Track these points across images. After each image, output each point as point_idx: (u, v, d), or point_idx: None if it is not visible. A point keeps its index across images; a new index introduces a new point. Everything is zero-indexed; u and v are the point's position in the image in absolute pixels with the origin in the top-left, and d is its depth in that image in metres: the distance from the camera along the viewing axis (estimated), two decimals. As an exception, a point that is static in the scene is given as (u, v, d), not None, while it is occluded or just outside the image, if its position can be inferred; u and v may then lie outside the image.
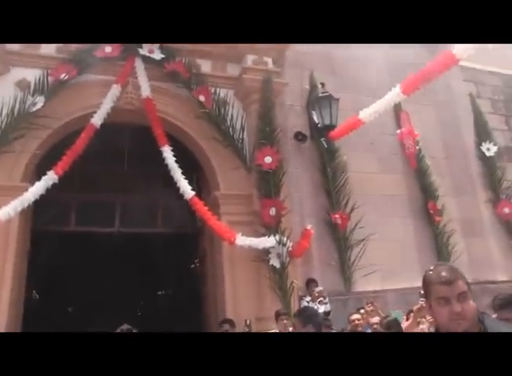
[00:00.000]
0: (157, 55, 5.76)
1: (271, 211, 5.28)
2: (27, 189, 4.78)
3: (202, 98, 5.71)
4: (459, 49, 4.08)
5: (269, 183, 5.42)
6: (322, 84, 6.24)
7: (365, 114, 5.26)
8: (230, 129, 5.75)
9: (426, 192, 6.49)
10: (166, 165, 5.35)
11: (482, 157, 7.11)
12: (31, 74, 5.31)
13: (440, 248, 6.19)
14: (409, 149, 6.59)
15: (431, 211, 6.33)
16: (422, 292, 1.70)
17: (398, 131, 6.74)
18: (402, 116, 6.73)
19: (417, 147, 6.63)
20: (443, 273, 1.53)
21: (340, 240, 5.69)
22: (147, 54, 5.73)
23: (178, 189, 5.29)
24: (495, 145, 7.14)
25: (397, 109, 6.59)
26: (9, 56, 5.27)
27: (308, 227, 5.44)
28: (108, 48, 5.59)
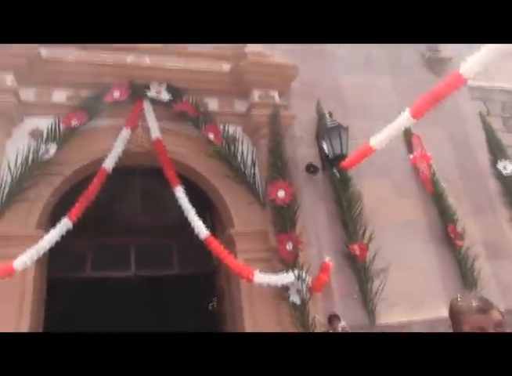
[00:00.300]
0: (165, 96, 5.88)
1: (287, 246, 5.25)
2: (42, 237, 4.84)
3: (211, 136, 5.78)
4: (465, 69, 4.08)
5: (284, 218, 5.40)
6: (330, 114, 6.30)
7: (376, 141, 5.24)
8: (241, 165, 5.80)
9: (444, 216, 6.40)
10: (179, 206, 5.38)
11: (499, 175, 7.06)
12: (44, 123, 5.47)
13: (465, 274, 6.04)
14: (423, 173, 6.56)
15: (452, 236, 6.22)
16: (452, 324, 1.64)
17: (411, 155, 6.73)
18: (414, 140, 6.73)
19: (432, 170, 6.59)
20: (475, 302, 1.48)
21: (361, 272, 5.60)
22: (155, 96, 5.85)
23: (192, 228, 5.30)
24: (511, 163, 7.08)
25: (407, 133, 6.59)
26: (23, 107, 5.45)
27: (327, 260, 5.38)
28: (116, 93, 5.73)
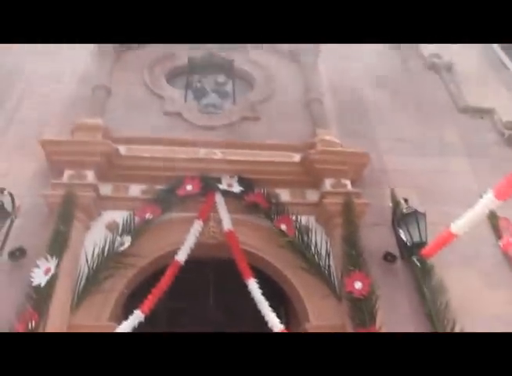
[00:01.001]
0: (236, 188, 6.28)
1: (368, 341, 5.13)
2: (114, 329, 5.09)
3: (284, 227, 6.02)
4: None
5: (362, 310, 5.34)
6: (406, 200, 6.37)
7: (457, 227, 5.17)
8: (315, 256, 5.90)
9: (546, 309, 6.01)
10: (252, 298, 5.50)
11: None
12: (120, 216, 5.98)
13: None
14: (516, 259, 6.29)
15: (559, 332, 5.78)
16: None
17: (500, 241, 6.54)
18: (501, 223, 6.59)
19: (526, 256, 6.32)
20: None
21: (452, 371, 5.29)
22: (226, 188, 6.25)
23: (266, 322, 5.34)
24: None
25: (492, 216, 6.48)
26: (101, 201, 6.03)
27: (413, 357, 5.15)
28: (189, 187, 6.22)
